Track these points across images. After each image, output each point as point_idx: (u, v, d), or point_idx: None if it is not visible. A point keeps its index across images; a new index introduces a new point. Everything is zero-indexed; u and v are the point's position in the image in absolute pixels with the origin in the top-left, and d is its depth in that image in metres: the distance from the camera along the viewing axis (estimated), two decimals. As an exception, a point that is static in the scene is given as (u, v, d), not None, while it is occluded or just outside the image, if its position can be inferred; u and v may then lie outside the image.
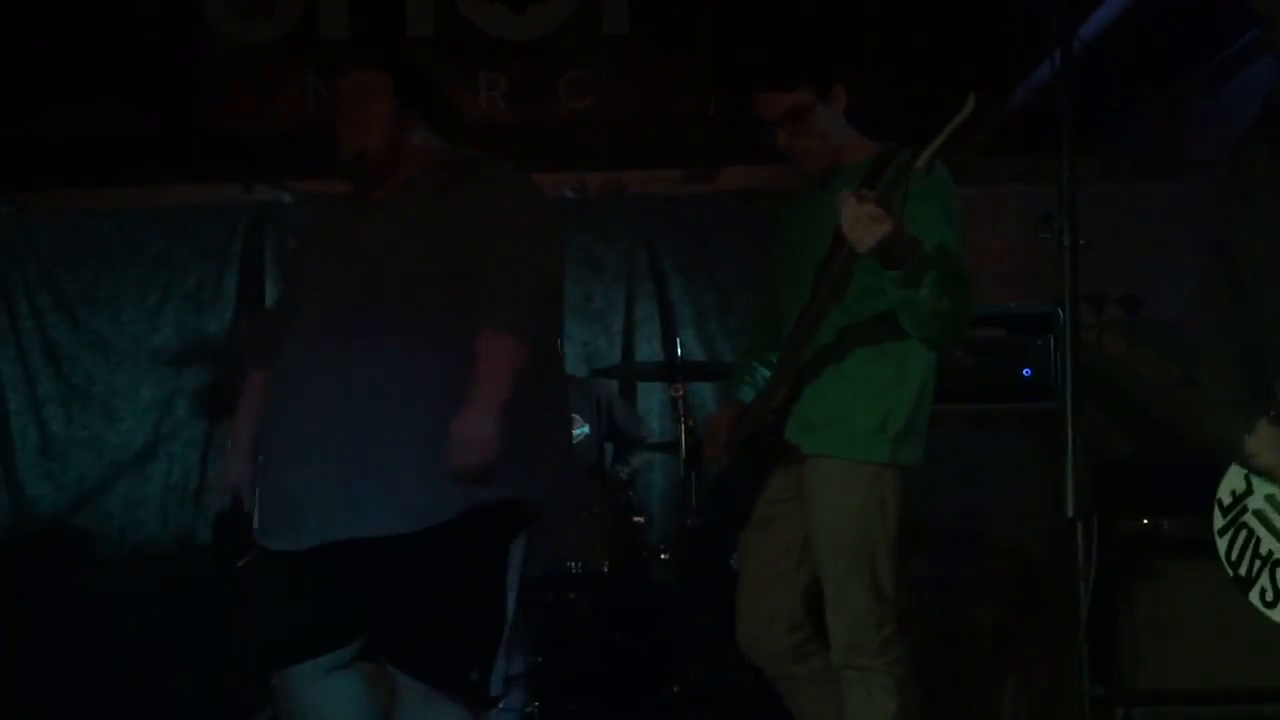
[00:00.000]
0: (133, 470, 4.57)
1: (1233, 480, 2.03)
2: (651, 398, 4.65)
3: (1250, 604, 1.99)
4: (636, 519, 3.91)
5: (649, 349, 4.67)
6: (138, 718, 4.34)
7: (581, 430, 4.29)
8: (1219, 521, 2.05)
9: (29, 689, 4.29)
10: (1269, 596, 1.95)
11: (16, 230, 4.63)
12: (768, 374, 2.70)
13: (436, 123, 2.39)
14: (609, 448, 4.43)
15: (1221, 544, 2.03)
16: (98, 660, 4.41)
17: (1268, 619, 1.96)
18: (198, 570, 4.50)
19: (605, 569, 3.76)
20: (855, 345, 2.46)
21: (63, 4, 4.52)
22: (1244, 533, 2.01)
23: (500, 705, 2.24)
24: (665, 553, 3.99)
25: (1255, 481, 1.99)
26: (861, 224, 2.14)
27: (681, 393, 3.87)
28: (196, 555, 4.53)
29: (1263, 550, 1.97)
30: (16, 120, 4.63)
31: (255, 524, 2.28)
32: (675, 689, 3.68)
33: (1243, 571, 2.00)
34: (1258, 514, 2.00)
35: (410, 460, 2.11)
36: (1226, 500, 2.04)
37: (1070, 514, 2.12)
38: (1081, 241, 2.17)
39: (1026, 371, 3.53)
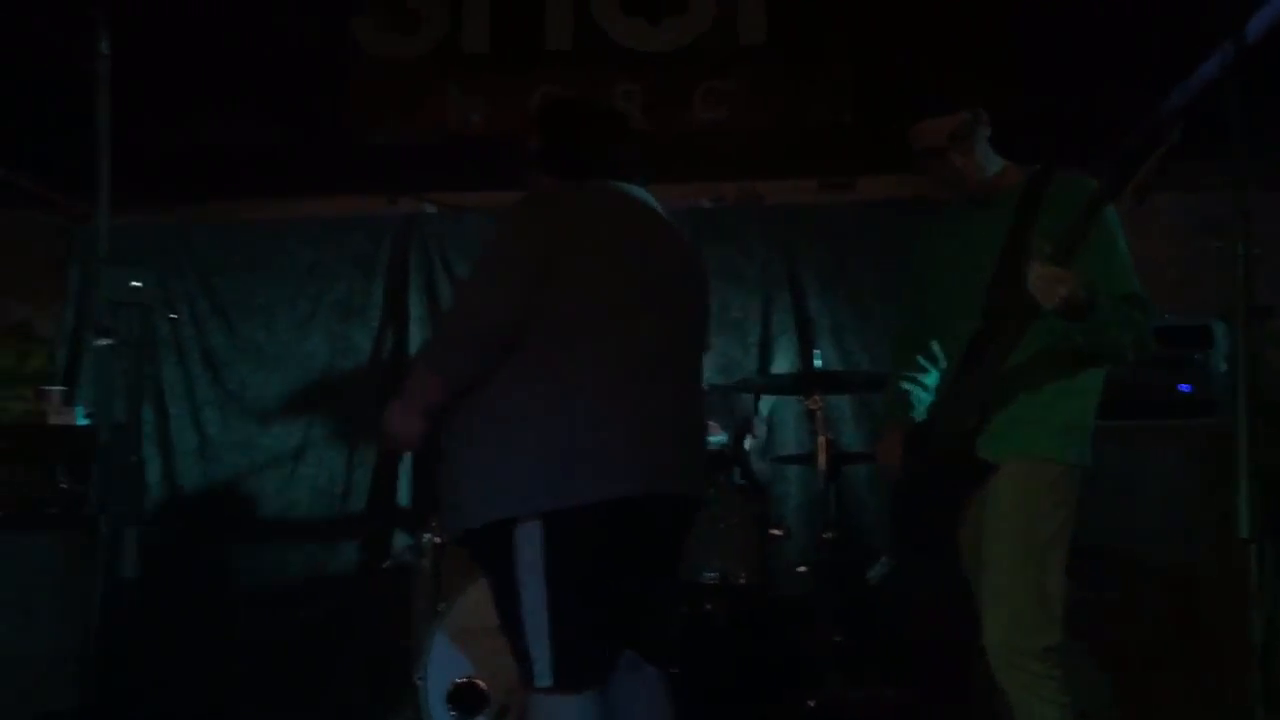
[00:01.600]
0: (283, 474, 4.71)
1: None
2: (788, 409, 4.59)
3: None
4: (774, 531, 3.87)
5: (787, 360, 4.62)
6: (283, 714, 4.48)
7: (719, 439, 4.27)
8: None
9: (178, 686, 4.45)
10: None
11: (178, 240, 4.81)
12: (923, 392, 2.78)
13: (554, 167, 2.61)
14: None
15: None
16: (247, 657, 4.55)
17: None
18: (343, 571, 4.62)
19: (742, 580, 3.73)
20: (1042, 360, 2.53)
21: (220, 23, 4.71)
22: None
23: (559, 694, 2.35)
24: (803, 565, 3.96)
25: None
26: (1046, 284, 2.28)
27: (820, 405, 3.84)
28: (342, 557, 4.64)
29: None
30: (177, 134, 4.84)
31: None
32: (812, 703, 3.65)
33: None
34: None
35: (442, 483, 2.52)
36: None
37: (1244, 535, 2.05)
38: (1257, 251, 2.11)
39: (1184, 387, 3.40)
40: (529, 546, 2.33)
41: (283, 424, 4.72)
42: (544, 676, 2.33)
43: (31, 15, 3.91)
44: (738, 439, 4.30)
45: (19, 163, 4.30)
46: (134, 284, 1.96)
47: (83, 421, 3.85)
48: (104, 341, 1.92)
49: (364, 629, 4.49)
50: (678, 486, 2.47)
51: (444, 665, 3.52)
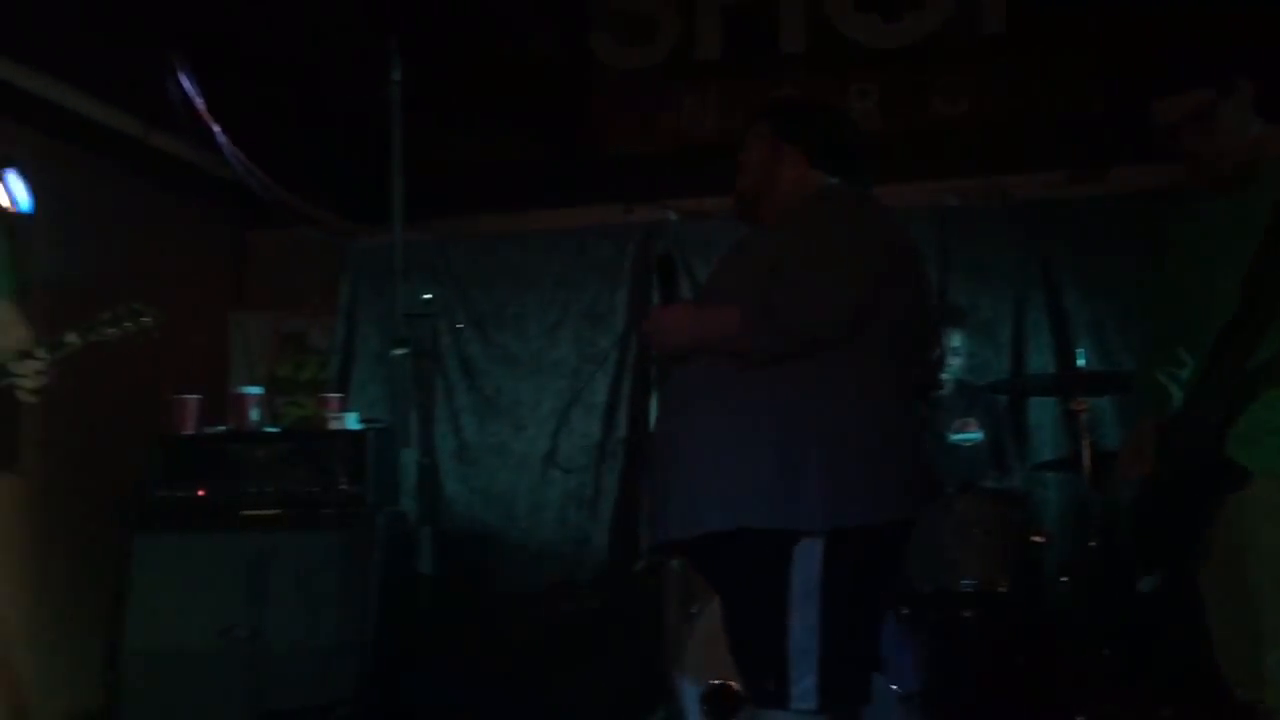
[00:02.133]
0: (535, 476, 4.87)
1: None
2: (1044, 412, 4.41)
3: None
4: (1036, 538, 3.74)
5: (1040, 360, 4.45)
6: (538, 711, 4.61)
7: (974, 435, 4.16)
8: None
9: (432, 678, 4.64)
10: None
11: (435, 254, 5.03)
12: (1177, 389, 2.59)
13: (821, 161, 2.51)
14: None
15: None
16: (504, 655, 4.70)
17: None
18: (594, 572, 4.72)
19: (1003, 589, 3.62)
20: None
21: (466, 46, 4.91)
22: None
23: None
24: (1066, 575, 3.80)
25: None
26: None
27: (1084, 407, 3.68)
28: (592, 558, 4.75)
29: None
30: (430, 154, 5.08)
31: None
32: (1079, 720, 3.50)
33: None
34: None
35: (692, 477, 2.36)
36: None
37: None
38: None
39: None
40: (809, 565, 2.24)
41: (535, 428, 4.88)
42: (808, 699, 2.22)
43: (315, 48, 4.18)
44: (994, 440, 4.18)
45: (292, 184, 4.58)
46: (425, 296, 2.05)
47: (357, 426, 4.08)
48: (400, 351, 2.03)
49: (617, 629, 4.57)
50: (920, 508, 2.47)
51: (698, 667, 3.55)
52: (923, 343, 2.55)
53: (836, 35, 5.02)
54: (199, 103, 3.72)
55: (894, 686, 3.34)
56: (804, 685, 2.22)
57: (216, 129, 3.88)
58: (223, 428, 4.15)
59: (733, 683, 3.51)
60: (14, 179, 3.06)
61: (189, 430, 4.08)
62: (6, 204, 3.48)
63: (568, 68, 5.31)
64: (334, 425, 4.02)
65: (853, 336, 2.28)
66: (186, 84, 3.63)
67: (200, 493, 3.98)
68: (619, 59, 5.28)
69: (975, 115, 4.87)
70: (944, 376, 4.15)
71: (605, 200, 5.14)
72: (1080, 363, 3.81)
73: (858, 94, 5.01)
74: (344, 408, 4.19)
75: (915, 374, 2.50)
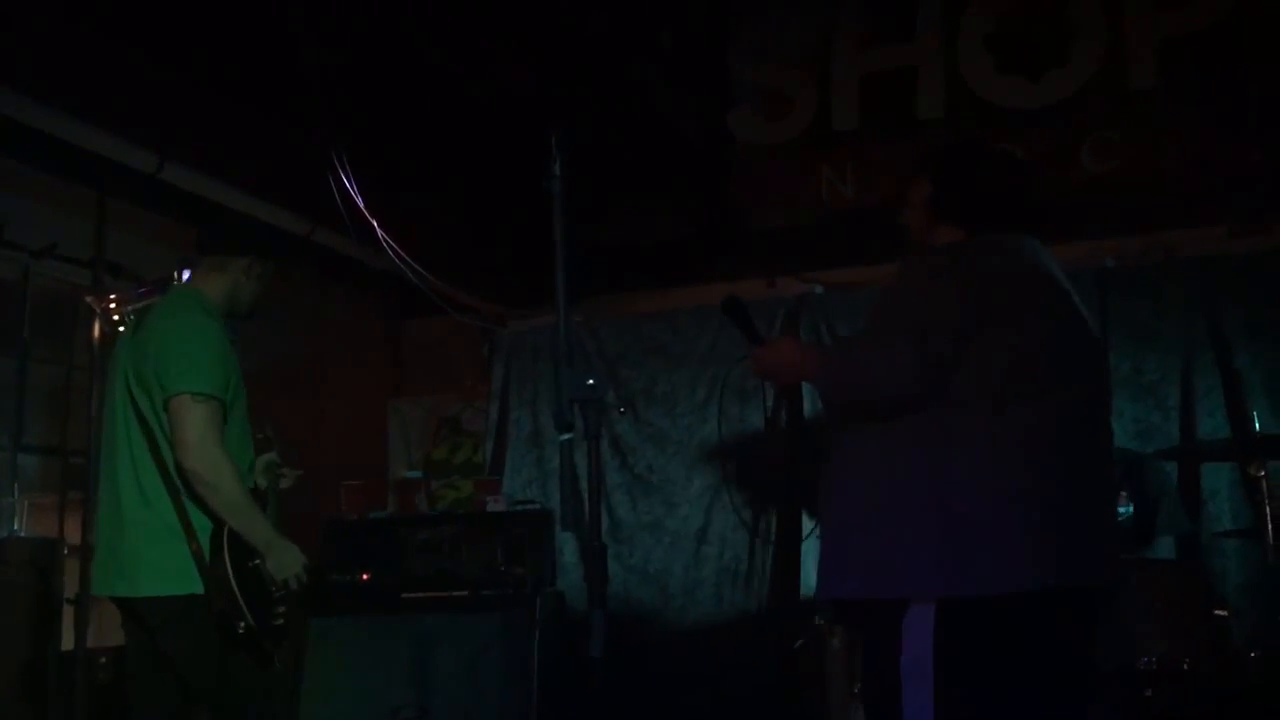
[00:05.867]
0: (689, 554, 4.84)
1: None
2: (1219, 478, 4.18)
3: None
4: (1219, 612, 3.55)
5: (1212, 424, 4.24)
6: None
7: (1124, 510, 3.99)
8: None
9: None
10: None
11: (586, 334, 5.09)
12: None
13: (979, 228, 2.44)
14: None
15: None
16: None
17: None
18: (753, 650, 4.64)
19: (1186, 666, 3.43)
20: None
21: (611, 130, 5.02)
22: None
23: None
24: (1254, 650, 3.59)
25: None
26: None
27: (1264, 473, 3.50)
28: (752, 635, 4.68)
29: None
30: (580, 235, 5.17)
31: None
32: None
33: None
34: None
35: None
36: None
37: None
38: None
39: None
40: (919, 637, 2.16)
41: (687, 505, 4.86)
42: None
43: (466, 144, 4.34)
44: (1150, 511, 4.00)
45: (446, 272, 4.72)
46: (589, 382, 2.10)
47: (513, 508, 4.14)
48: (565, 436, 2.07)
49: (780, 708, 4.48)
50: (1093, 577, 2.27)
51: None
52: (1072, 377, 2.32)
53: (976, 99, 4.98)
54: (359, 200, 3.88)
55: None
56: None
57: (375, 224, 4.03)
58: (384, 512, 4.25)
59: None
60: (192, 279, 3.21)
61: (354, 515, 4.20)
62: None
63: (708, 146, 5.38)
64: (491, 508, 4.09)
65: (925, 394, 2.22)
66: (348, 182, 3.79)
67: (364, 576, 4.08)
68: (757, 134, 5.34)
69: (1128, 172, 4.75)
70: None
71: (749, 274, 5.16)
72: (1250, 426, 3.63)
73: (1000, 156, 4.94)
74: (499, 490, 4.26)
75: (1078, 411, 2.31)
